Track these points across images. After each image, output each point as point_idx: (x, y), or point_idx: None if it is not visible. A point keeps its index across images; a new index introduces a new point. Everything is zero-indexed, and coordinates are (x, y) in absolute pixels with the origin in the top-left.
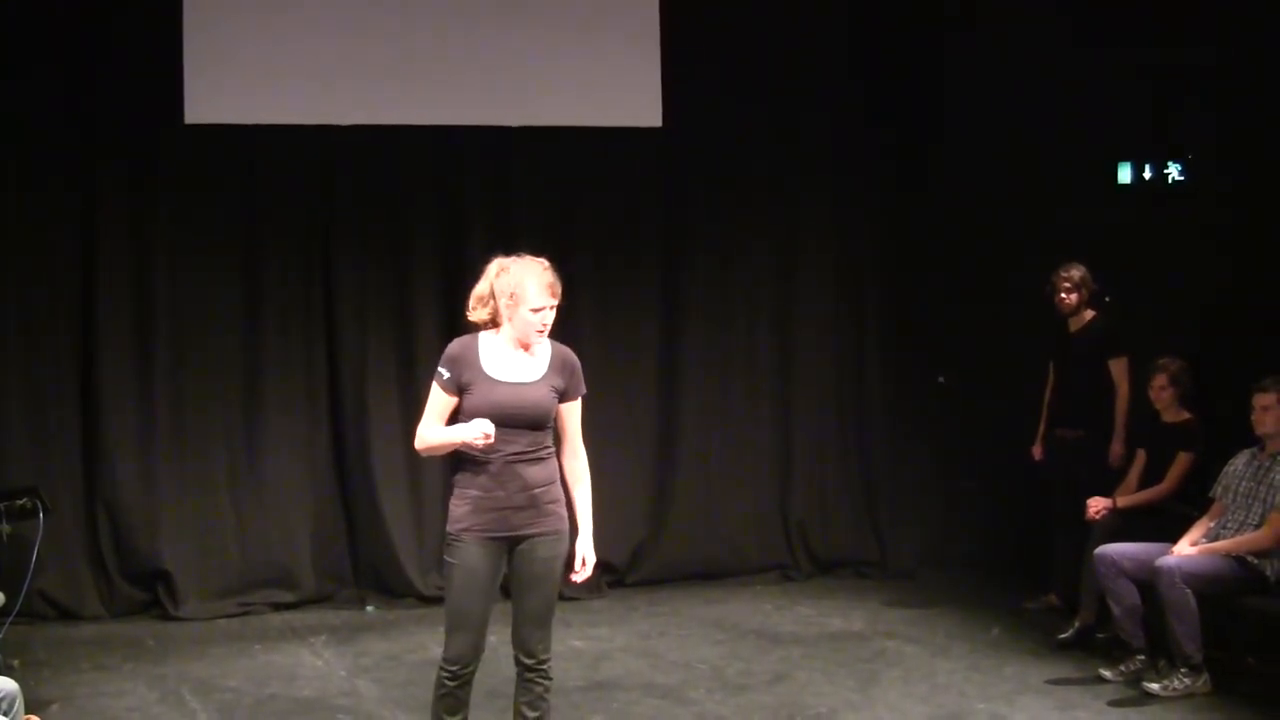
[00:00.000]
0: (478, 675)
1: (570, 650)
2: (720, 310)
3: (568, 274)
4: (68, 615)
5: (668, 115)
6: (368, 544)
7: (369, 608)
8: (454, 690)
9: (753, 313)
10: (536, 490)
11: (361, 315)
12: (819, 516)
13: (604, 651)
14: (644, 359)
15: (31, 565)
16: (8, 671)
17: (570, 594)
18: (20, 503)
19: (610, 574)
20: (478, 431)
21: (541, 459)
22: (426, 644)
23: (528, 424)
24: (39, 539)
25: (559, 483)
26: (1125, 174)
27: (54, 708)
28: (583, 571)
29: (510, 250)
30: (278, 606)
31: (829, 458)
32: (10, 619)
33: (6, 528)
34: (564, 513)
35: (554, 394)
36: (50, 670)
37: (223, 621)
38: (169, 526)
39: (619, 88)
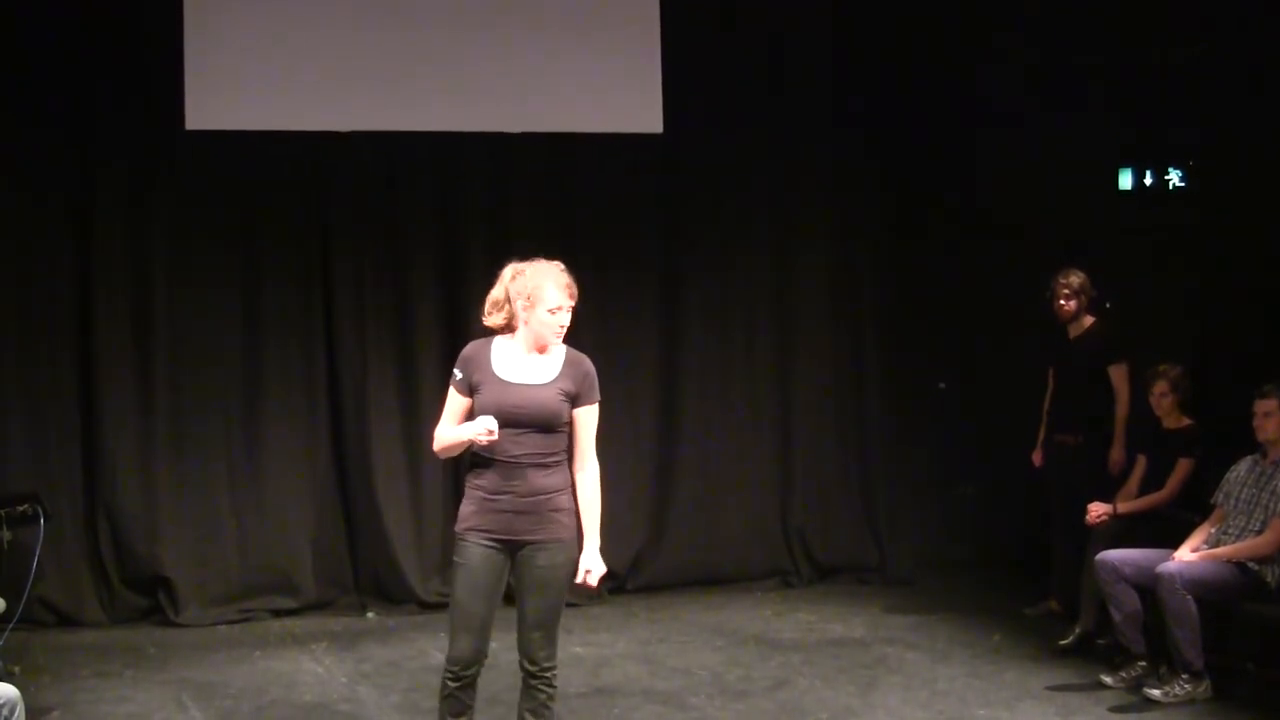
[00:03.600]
0: (481, 681)
1: (571, 656)
2: (720, 316)
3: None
4: (68, 621)
5: (669, 121)
6: (368, 550)
7: (369, 614)
8: (455, 692)
9: (752, 319)
10: (540, 497)
11: (361, 322)
12: (819, 522)
13: (604, 657)
14: (644, 365)
15: (32, 571)
16: (8, 678)
17: (570, 600)
18: (21, 509)
19: (611, 580)
20: (481, 428)
21: (549, 466)
22: (427, 650)
23: (535, 426)
24: (39, 545)
25: (567, 492)
26: (1126, 180)
27: (54, 714)
28: (588, 579)
29: (510, 255)
30: (278, 613)
31: (828, 463)
32: (11, 625)
33: (7, 534)
34: (570, 522)
35: (563, 397)
36: (50, 676)
37: (223, 628)
38: (169, 532)
39: (620, 94)
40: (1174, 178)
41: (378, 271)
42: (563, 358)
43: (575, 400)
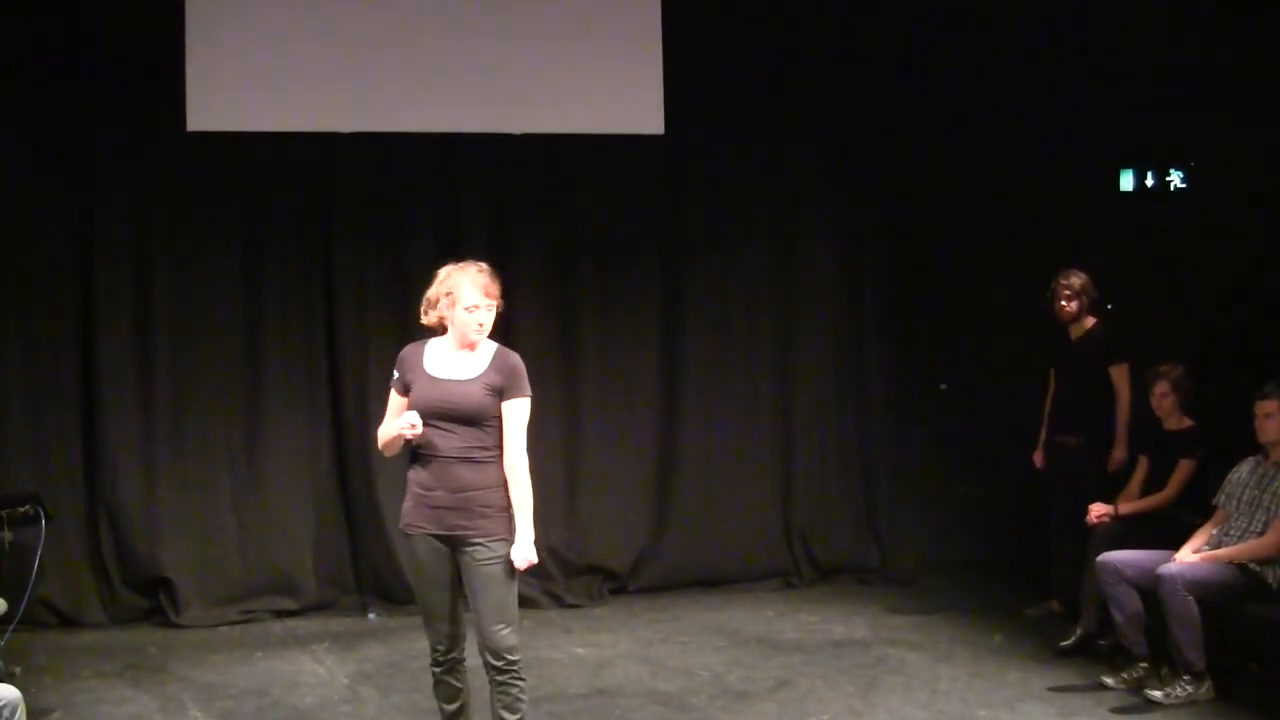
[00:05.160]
0: (472, 682)
1: (572, 657)
2: (721, 317)
3: (569, 281)
4: (69, 622)
5: (670, 122)
6: (369, 550)
7: (371, 614)
8: (441, 678)
9: (753, 319)
10: (469, 493)
11: (362, 322)
12: (820, 523)
13: (606, 658)
14: (645, 365)
15: (33, 572)
16: (9, 679)
17: (572, 601)
18: (22, 510)
19: (612, 581)
20: (405, 423)
21: (478, 461)
22: (428, 651)
23: (460, 419)
24: (40, 546)
25: (499, 489)
26: (1127, 180)
27: (55, 715)
28: (520, 566)
29: (511, 255)
30: (279, 614)
31: (830, 464)
32: (12, 626)
33: (8, 535)
34: (503, 517)
35: (489, 392)
36: (52, 677)
37: (224, 629)
38: (170, 533)
39: (621, 95)
40: (1175, 179)
41: (378, 272)
42: (491, 354)
43: (502, 394)
